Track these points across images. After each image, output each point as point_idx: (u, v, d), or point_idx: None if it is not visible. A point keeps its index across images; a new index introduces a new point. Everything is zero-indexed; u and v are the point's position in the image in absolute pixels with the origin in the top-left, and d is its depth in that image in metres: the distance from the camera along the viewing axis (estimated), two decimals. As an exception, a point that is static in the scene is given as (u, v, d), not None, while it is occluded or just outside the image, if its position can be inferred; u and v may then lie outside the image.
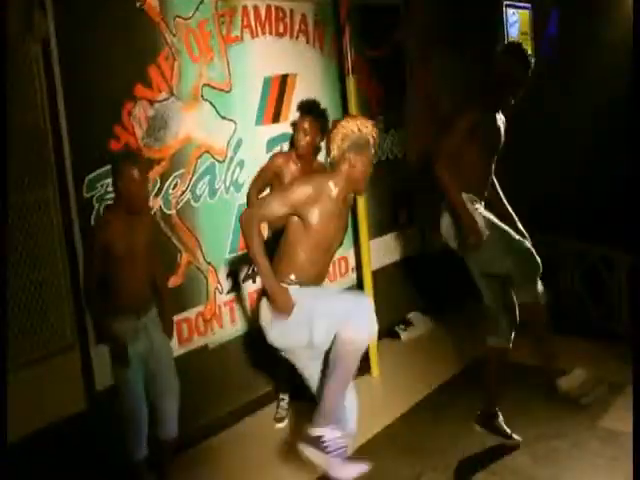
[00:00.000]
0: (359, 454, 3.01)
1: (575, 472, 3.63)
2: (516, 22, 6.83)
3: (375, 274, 5.13)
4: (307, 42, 4.99)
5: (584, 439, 3.92)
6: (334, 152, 2.84)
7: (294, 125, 4.36)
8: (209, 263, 4.34)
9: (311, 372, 3.05)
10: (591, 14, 6.57)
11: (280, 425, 4.41)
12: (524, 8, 6.98)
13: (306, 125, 4.18)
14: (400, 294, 5.75)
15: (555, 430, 3.79)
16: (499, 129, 3.67)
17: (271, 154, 4.48)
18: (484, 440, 3.95)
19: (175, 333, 4.00)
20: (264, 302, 2.91)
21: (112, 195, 3.63)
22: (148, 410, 3.53)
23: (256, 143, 4.63)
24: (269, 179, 4.30)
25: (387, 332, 5.55)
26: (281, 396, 4.49)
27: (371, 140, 2.89)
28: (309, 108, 4.25)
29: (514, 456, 3.79)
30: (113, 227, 3.38)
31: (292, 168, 4.25)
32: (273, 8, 4.70)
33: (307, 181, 2.92)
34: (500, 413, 3.85)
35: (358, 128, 2.82)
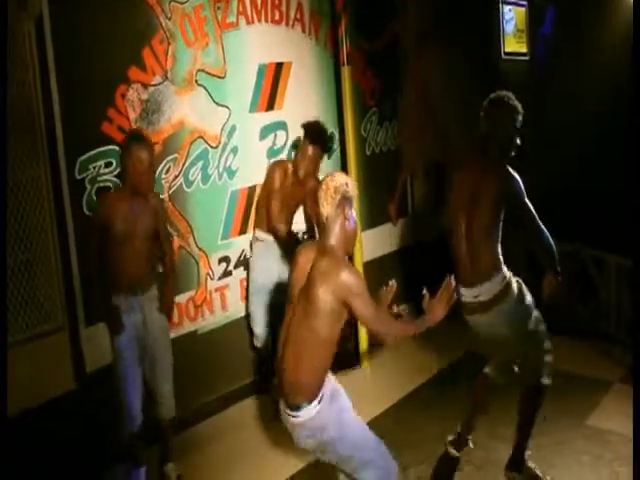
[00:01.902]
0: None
1: (560, 468, 3.65)
2: (512, 19, 6.82)
3: (367, 266, 5.11)
4: (303, 31, 4.95)
5: (570, 436, 3.94)
6: (328, 209, 2.67)
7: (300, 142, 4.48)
8: (200, 249, 4.32)
9: None
10: (589, 12, 6.59)
11: None
12: (520, 5, 6.97)
13: (313, 156, 4.40)
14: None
15: (542, 427, 3.79)
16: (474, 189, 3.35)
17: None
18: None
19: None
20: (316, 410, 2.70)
21: (105, 177, 3.65)
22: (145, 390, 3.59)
23: (250, 130, 4.59)
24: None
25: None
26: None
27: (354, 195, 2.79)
28: (321, 140, 4.42)
29: (500, 451, 3.79)
30: (114, 207, 3.41)
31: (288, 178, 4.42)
32: (270, -5, 4.67)
33: (341, 259, 2.70)
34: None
35: (346, 182, 2.71)
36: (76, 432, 3.54)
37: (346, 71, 4.93)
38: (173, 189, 4.13)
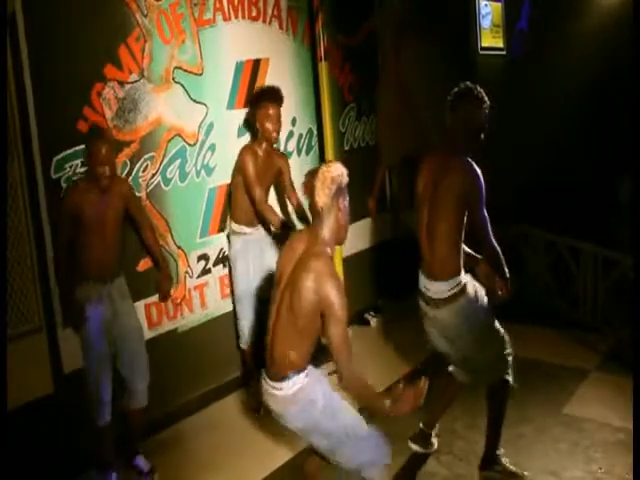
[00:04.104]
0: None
1: (538, 456, 3.70)
2: (489, 14, 6.86)
3: (346, 261, 5.15)
4: (280, 27, 4.96)
5: (548, 425, 3.99)
6: (323, 199, 2.66)
7: (254, 114, 4.34)
8: (179, 247, 4.32)
9: None
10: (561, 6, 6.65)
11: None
12: (497, 0, 7.01)
13: (276, 112, 4.28)
14: (370, 281, 5.78)
15: (521, 416, 3.85)
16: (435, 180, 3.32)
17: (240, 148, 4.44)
18: (450, 426, 4.00)
19: (144, 316, 4.07)
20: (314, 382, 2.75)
21: (81, 176, 3.65)
22: (117, 380, 3.61)
23: (228, 127, 4.60)
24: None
25: (357, 319, 5.58)
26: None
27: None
28: (275, 95, 4.32)
29: (480, 441, 3.84)
30: (82, 196, 3.45)
31: (259, 159, 4.35)
32: (246, -8, 4.67)
33: (330, 265, 2.67)
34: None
35: (342, 172, 2.69)
36: (54, 434, 3.54)
37: (324, 67, 4.94)
38: (151, 187, 4.11)
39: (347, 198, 2.73)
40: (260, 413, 4.23)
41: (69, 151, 3.65)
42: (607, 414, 4.04)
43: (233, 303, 4.60)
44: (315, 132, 5.26)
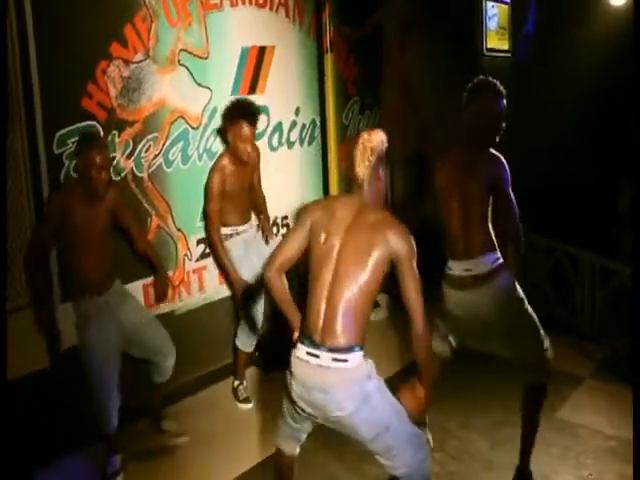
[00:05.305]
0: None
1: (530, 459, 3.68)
2: (495, 15, 6.85)
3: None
4: (286, 16, 4.91)
5: (541, 428, 3.95)
6: (363, 170, 2.63)
7: (227, 129, 4.16)
8: (179, 229, 4.28)
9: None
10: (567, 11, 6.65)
11: (246, 406, 4.36)
12: (503, 2, 7.00)
13: (248, 132, 4.08)
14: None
15: (515, 418, 3.82)
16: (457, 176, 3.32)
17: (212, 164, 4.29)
18: (444, 424, 3.98)
19: (142, 297, 4.02)
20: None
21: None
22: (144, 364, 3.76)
23: (231, 113, 4.54)
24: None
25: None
26: (236, 382, 4.44)
27: None
28: (250, 112, 4.13)
29: (473, 441, 3.83)
30: (69, 208, 3.31)
31: (229, 177, 4.20)
32: (254, -22, 4.62)
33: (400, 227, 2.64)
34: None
35: (382, 140, 2.67)
36: (49, 410, 3.50)
37: (329, 59, 4.90)
38: (153, 168, 4.07)
39: (384, 166, 2.72)
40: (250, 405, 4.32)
41: (72, 127, 3.60)
42: (600, 421, 4.03)
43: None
44: (318, 123, 5.22)
